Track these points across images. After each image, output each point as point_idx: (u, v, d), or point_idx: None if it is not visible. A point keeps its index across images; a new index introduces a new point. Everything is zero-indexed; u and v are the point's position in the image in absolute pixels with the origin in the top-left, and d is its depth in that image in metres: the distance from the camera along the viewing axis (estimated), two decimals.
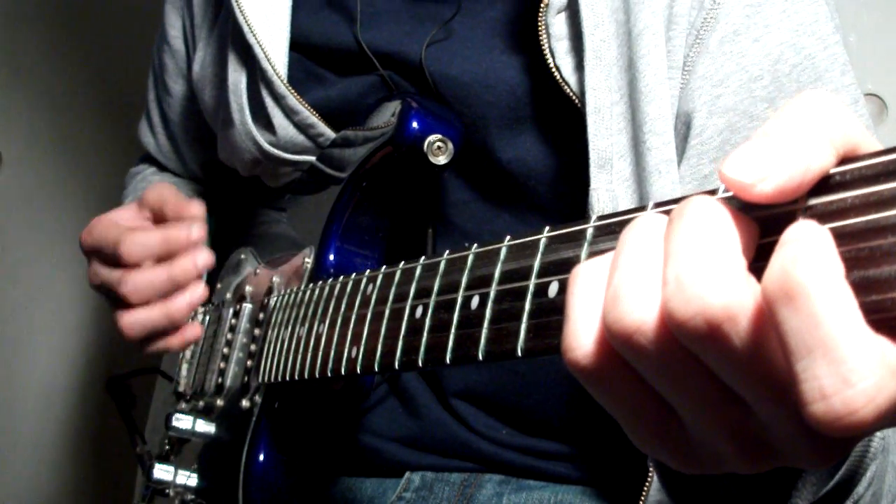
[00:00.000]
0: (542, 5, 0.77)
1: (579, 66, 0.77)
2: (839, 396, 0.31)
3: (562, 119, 0.82)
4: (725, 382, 0.37)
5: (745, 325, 0.34)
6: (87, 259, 0.92)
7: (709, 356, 0.35)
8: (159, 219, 0.90)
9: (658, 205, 0.41)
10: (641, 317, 0.36)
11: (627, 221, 0.43)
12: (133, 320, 0.86)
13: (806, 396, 0.31)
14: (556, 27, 0.77)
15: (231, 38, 0.96)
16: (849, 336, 0.31)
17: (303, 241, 0.96)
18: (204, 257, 0.86)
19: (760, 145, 0.34)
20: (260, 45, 0.91)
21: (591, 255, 0.45)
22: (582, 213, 0.75)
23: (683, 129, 0.75)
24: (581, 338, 0.39)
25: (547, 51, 0.78)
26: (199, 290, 0.87)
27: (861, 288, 0.31)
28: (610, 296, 0.37)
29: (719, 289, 0.33)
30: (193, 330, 0.90)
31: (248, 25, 0.91)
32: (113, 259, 0.86)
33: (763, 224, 0.36)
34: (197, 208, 0.88)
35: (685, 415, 0.39)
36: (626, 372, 0.39)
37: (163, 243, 0.85)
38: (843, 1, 0.79)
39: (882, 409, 0.31)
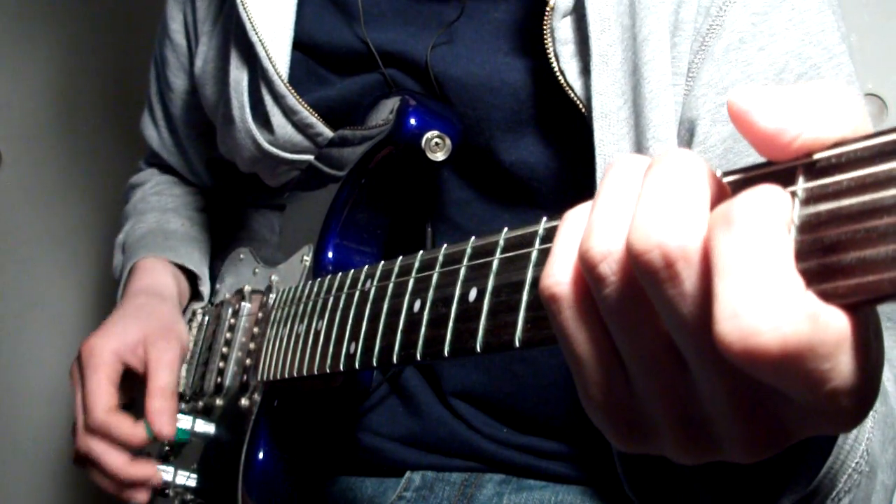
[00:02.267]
0: (547, 9, 0.77)
1: (584, 71, 0.77)
2: (747, 318, 0.32)
3: (565, 123, 0.81)
4: (672, 337, 0.38)
5: (696, 270, 0.35)
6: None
7: (659, 297, 0.36)
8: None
9: None
10: (609, 247, 0.38)
11: None
12: (79, 462, 0.99)
13: (717, 314, 0.32)
14: (561, 31, 0.77)
15: (234, 35, 0.96)
16: (772, 267, 0.32)
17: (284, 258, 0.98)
18: (156, 480, 0.95)
19: (777, 91, 0.36)
20: (262, 44, 0.92)
21: None
22: None
23: (687, 136, 0.75)
24: (556, 269, 0.41)
25: (552, 54, 0.77)
26: (138, 498, 0.95)
27: (858, 270, 0.31)
28: (587, 227, 0.39)
29: (680, 228, 0.35)
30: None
31: (251, 23, 0.91)
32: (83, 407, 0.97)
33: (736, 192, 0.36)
34: (168, 428, 0.94)
35: (632, 369, 0.40)
36: (590, 312, 0.40)
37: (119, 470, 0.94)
38: (843, 1, 0.79)
39: (789, 345, 0.31)
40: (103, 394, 0.94)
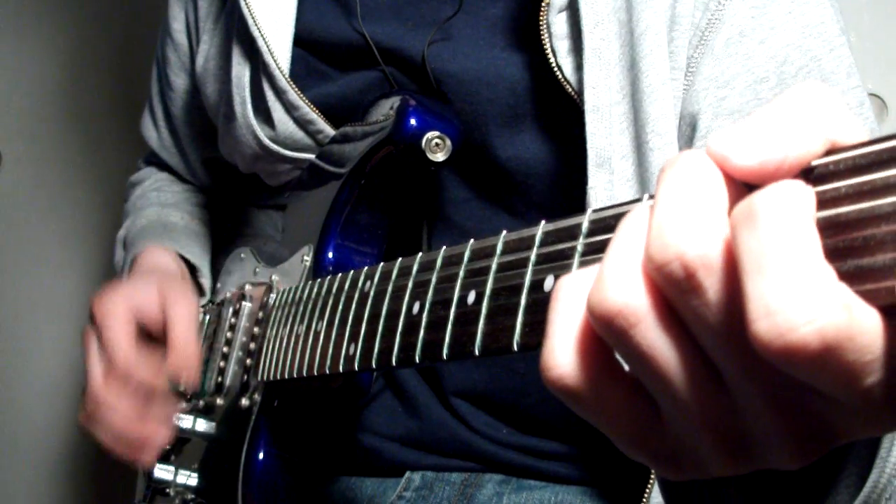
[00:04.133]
0: (543, 4, 0.77)
1: (580, 66, 0.77)
2: (783, 314, 0.30)
3: (562, 118, 0.81)
4: (704, 350, 0.36)
5: (720, 276, 0.34)
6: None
7: (686, 308, 0.35)
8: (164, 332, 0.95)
9: (653, 196, 0.41)
10: (625, 297, 0.36)
11: (623, 214, 0.43)
12: (85, 424, 0.94)
13: (752, 314, 0.31)
14: (557, 26, 0.77)
15: (236, 31, 0.97)
16: (801, 260, 0.31)
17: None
18: (164, 439, 0.92)
19: (749, 124, 0.35)
20: (263, 39, 0.92)
21: (587, 248, 0.45)
22: (581, 212, 0.75)
23: (688, 131, 0.75)
24: (558, 355, 0.38)
25: (548, 49, 0.78)
26: (144, 458, 0.92)
27: (856, 277, 0.31)
28: (596, 280, 0.37)
29: (698, 236, 0.34)
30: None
31: (253, 18, 0.92)
32: (104, 357, 0.93)
33: None
34: (194, 364, 0.93)
35: (666, 409, 0.38)
36: (605, 380, 0.38)
37: (141, 402, 0.91)
38: (843, 1, 0.79)
39: (827, 337, 0.30)
40: (124, 340, 0.92)
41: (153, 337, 0.96)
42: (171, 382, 0.91)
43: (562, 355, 0.38)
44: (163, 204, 1.21)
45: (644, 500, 0.76)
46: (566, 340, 0.38)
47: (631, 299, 0.36)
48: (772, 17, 0.75)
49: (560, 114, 0.81)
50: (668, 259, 0.34)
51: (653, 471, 0.75)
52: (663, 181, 0.36)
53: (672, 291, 0.35)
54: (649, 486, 0.76)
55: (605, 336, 0.37)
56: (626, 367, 0.39)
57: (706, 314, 0.34)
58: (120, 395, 0.91)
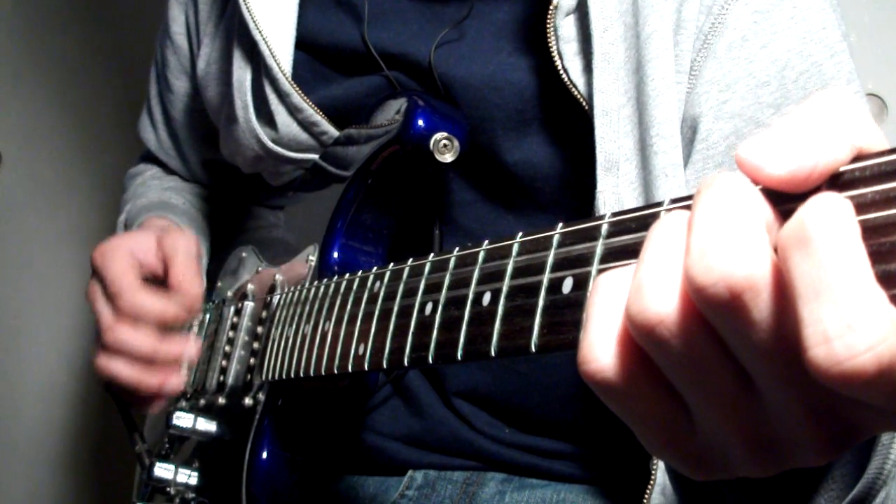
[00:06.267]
0: (550, 7, 0.77)
1: (587, 69, 0.77)
2: (841, 340, 0.31)
3: (569, 121, 0.82)
4: (741, 363, 0.37)
5: (765, 297, 0.34)
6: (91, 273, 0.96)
7: (727, 328, 0.35)
8: (165, 271, 0.95)
9: (674, 201, 0.42)
10: (666, 308, 0.36)
11: (643, 218, 0.43)
12: (105, 366, 0.92)
13: (809, 340, 0.31)
14: (564, 29, 0.78)
15: (237, 34, 0.96)
16: (858, 285, 0.31)
17: (298, 246, 0.97)
18: (191, 353, 0.92)
19: (778, 132, 0.35)
20: (265, 42, 0.91)
21: (606, 251, 0.45)
22: (588, 215, 0.76)
23: (689, 134, 0.75)
24: (598, 349, 0.39)
25: (555, 53, 0.78)
26: (174, 381, 0.92)
27: (884, 282, 0.31)
28: (634, 288, 0.37)
29: (744, 257, 0.33)
30: (158, 405, 0.95)
31: (255, 22, 0.91)
32: (110, 297, 0.92)
33: (785, 216, 0.36)
34: (197, 289, 0.92)
35: (698, 412, 0.39)
36: (642, 380, 0.39)
37: (158, 324, 0.91)
38: (843, 1, 0.79)
39: (884, 362, 0.30)
40: (128, 277, 0.91)
41: (157, 282, 0.95)
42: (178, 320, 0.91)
43: (600, 350, 0.39)
44: (164, 188, 1.21)
45: (645, 498, 0.76)
46: (605, 336, 0.39)
47: (671, 311, 0.36)
48: (774, 22, 0.75)
49: (568, 118, 0.81)
50: (713, 281, 0.34)
51: (654, 471, 0.75)
52: (701, 202, 0.36)
53: (713, 312, 0.35)
54: (650, 484, 0.76)
55: (642, 343, 0.37)
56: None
57: (749, 333, 0.35)
58: (137, 327, 0.90)
